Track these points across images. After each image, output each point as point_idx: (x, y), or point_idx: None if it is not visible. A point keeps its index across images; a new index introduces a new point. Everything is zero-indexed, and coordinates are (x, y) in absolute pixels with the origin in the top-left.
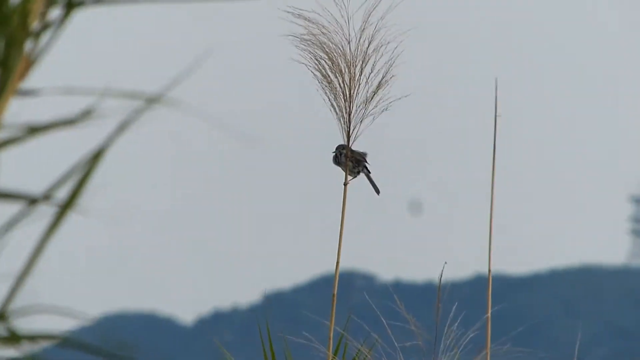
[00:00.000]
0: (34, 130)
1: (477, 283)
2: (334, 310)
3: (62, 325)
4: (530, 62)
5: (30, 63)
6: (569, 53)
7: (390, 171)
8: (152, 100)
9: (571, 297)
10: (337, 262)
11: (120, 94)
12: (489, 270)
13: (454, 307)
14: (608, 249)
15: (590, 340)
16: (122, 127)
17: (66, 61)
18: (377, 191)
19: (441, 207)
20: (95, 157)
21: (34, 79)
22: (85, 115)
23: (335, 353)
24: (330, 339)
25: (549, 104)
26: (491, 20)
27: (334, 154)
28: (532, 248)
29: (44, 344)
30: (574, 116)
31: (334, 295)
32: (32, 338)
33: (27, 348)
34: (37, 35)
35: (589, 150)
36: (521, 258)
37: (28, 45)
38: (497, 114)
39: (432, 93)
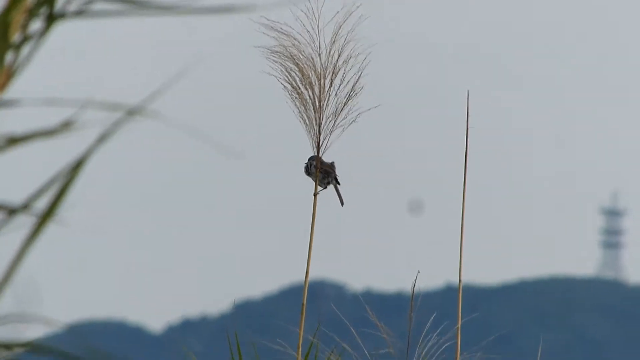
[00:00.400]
0: (13, 140)
1: (448, 293)
2: (304, 319)
3: (31, 332)
4: (503, 74)
5: (10, 74)
6: (542, 63)
7: (361, 181)
8: (132, 112)
9: (541, 307)
10: (307, 272)
11: (100, 105)
12: (460, 280)
13: (425, 316)
14: (578, 260)
15: (559, 350)
16: (102, 139)
17: (47, 73)
18: (342, 202)
19: (412, 217)
20: (75, 168)
21: (14, 90)
22: (66, 126)
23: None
24: (299, 347)
25: (521, 116)
26: (462, 31)
27: (306, 165)
28: (502, 258)
29: (19, 352)
30: (546, 128)
31: (303, 304)
32: (9, 346)
33: (3, 356)
34: (18, 46)
35: (561, 162)
36: (491, 268)
37: (9, 56)
38: (469, 125)
39: (402, 104)
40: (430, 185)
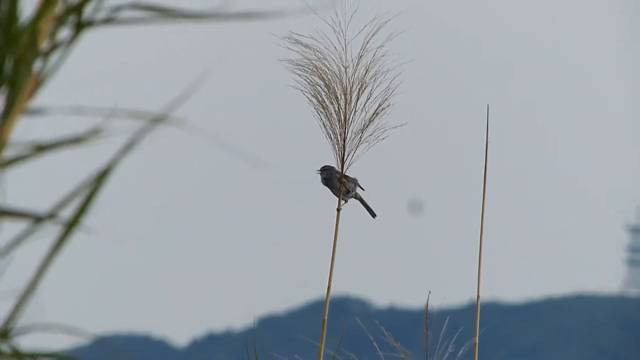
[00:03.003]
0: (41, 148)
1: (472, 310)
2: (324, 336)
3: (56, 343)
4: (527, 90)
5: (39, 82)
6: (564, 78)
7: (386, 197)
8: (157, 120)
9: (566, 325)
10: (329, 288)
11: (126, 113)
12: (478, 297)
13: (448, 332)
14: (603, 278)
15: None
16: (128, 147)
17: (74, 81)
18: (373, 215)
19: (438, 232)
20: (101, 177)
21: (42, 98)
22: (92, 134)
23: None
24: None
25: (545, 131)
26: (487, 50)
27: (321, 174)
28: (527, 276)
29: None
30: (571, 143)
31: (324, 320)
32: (34, 356)
33: None
34: (46, 54)
35: (586, 178)
36: (517, 285)
37: (37, 64)
38: (488, 140)
39: (428, 123)
40: (455, 202)
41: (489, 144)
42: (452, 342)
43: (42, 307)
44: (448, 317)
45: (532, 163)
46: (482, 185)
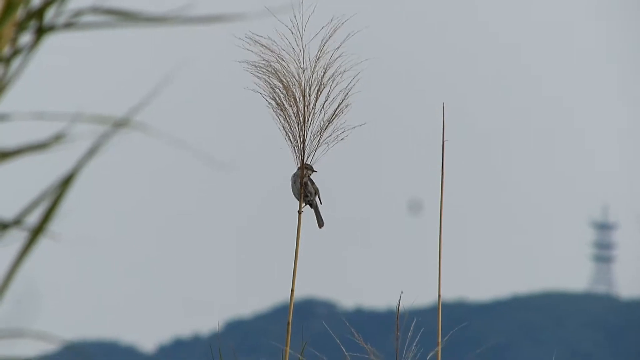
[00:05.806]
0: (4, 155)
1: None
2: (289, 339)
3: (24, 349)
4: (492, 87)
5: (1, 88)
6: (531, 79)
7: (350, 196)
8: (120, 125)
9: (533, 322)
10: (292, 290)
11: (90, 118)
12: (439, 296)
13: (416, 333)
14: (570, 275)
15: None
16: (92, 152)
17: (37, 86)
18: (321, 224)
19: (407, 231)
20: (66, 182)
21: (4, 104)
22: (56, 140)
23: None
24: None
25: (511, 129)
26: (448, 48)
27: (294, 176)
28: (494, 274)
29: None
30: (536, 142)
31: (288, 323)
32: None
33: None
34: (7, 60)
35: (551, 176)
36: (484, 284)
37: None
38: (445, 139)
39: (388, 122)
40: (424, 198)
41: (445, 142)
42: (419, 343)
43: (10, 314)
44: (415, 318)
45: (497, 161)
46: (440, 184)
